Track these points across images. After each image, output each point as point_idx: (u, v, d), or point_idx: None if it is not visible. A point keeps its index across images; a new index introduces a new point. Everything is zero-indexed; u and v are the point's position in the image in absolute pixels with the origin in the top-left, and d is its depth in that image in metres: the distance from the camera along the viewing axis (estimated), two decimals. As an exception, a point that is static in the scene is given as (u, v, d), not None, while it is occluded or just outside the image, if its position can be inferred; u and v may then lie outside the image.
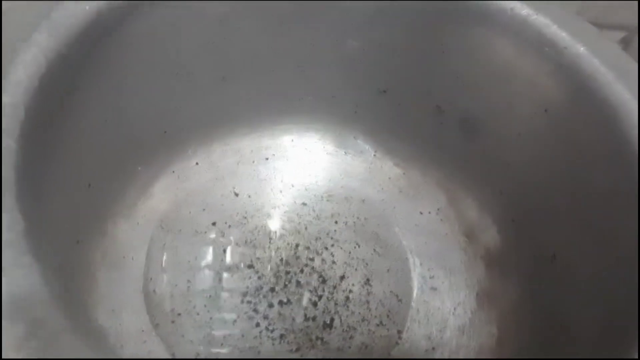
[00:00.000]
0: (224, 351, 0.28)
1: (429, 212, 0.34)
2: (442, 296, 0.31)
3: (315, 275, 0.31)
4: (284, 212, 0.34)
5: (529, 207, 0.30)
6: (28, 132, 0.20)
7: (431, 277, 0.32)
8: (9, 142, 0.19)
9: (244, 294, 0.30)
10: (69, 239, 0.25)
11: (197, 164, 0.34)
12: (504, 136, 0.30)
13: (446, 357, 0.29)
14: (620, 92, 0.24)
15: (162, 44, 0.28)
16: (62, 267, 0.22)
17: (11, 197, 0.18)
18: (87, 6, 0.24)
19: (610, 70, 0.25)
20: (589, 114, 0.25)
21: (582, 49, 0.26)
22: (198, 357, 0.28)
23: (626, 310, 0.23)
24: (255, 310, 0.30)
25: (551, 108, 0.27)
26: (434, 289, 0.32)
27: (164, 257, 0.31)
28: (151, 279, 0.30)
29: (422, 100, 0.32)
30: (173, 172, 0.33)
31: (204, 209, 0.33)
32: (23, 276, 0.16)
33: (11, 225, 0.17)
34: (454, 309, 0.31)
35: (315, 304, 0.31)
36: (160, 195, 0.32)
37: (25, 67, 0.21)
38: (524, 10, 0.27)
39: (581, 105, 0.26)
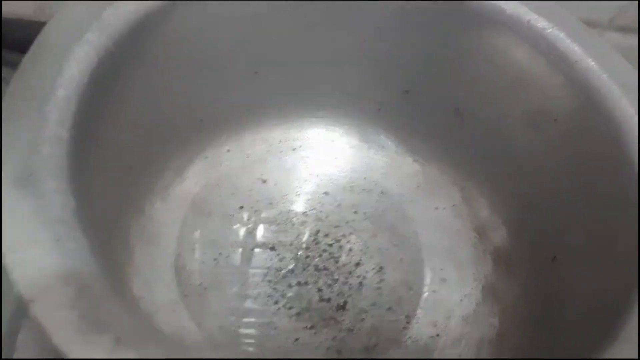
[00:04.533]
0: (244, 325, 0.31)
1: (444, 208, 0.36)
2: (451, 287, 0.33)
3: (332, 261, 0.34)
4: (307, 200, 0.36)
5: (536, 211, 0.31)
6: (79, 122, 0.22)
7: (441, 269, 0.34)
8: (62, 133, 0.21)
9: (265, 274, 0.33)
10: (112, 216, 0.27)
11: (228, 151, 0.36)
12: (516, 142, 0.31)
13: (449, 343, 0.31)
14: (625, 107, 0.26)
15: (200, 41, 0.31)
16: (105, 241, 0.25)
17: (64, 181, 0.20)
18: (134, 7, 0.27)
19: (617, 86, 0.26)
20: (595, 127, 0.27)
21: (592, 63, 0.27)
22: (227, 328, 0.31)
23: (621, 312, 0.24)
24: (275, 289, 0.32)
25: (560, 118, 0.28)
26: (443, 280, 0.34)
27: (195, 236, 0.33)
28: (182, 255, 0.32)
29: (442, 102, 0.34)
30: (206, 157, 0.35)
31: (232, 193, 0.35)
32: (74, 249, 0.19)
33: (64, 205, 0.20)
34: (461, 300, 0.33)
35: (330, 287, 0.33)
36: (194, 179, 0.35)
37: (78, 63, 0.24)
38: (540, 23, 0.28)
39: (588, 118, 0.27)
